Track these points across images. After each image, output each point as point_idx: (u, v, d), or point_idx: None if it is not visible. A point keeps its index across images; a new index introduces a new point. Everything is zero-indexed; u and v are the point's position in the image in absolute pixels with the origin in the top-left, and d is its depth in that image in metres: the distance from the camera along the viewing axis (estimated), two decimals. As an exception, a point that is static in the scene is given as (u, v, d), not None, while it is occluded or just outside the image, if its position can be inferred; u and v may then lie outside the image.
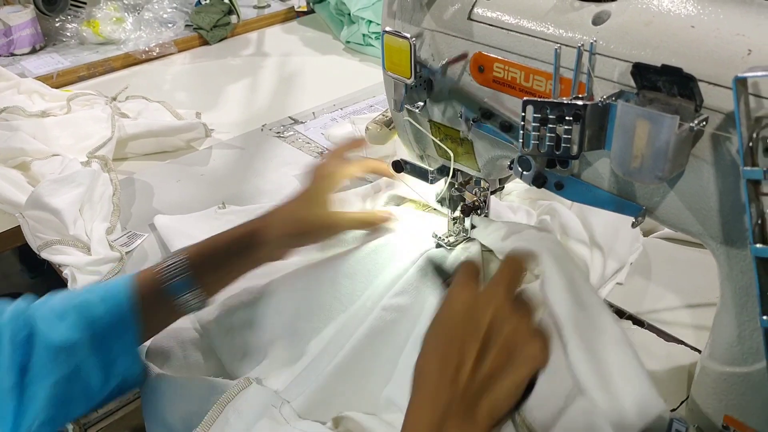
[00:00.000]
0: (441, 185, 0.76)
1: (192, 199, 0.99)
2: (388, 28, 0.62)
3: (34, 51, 1.50)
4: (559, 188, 0.58)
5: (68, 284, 0.83)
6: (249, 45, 1.61)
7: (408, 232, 0.80)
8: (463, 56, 0.60)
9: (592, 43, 0.50)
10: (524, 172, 0.58)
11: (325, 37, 1.62)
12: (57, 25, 1.55)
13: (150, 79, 1.43)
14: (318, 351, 0.69)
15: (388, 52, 0.62)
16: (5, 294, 1.68)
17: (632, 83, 0.47)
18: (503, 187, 0.75)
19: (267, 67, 1.47)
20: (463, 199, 0.75)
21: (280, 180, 1.03)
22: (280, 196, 0.97)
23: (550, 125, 0.51)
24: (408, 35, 0.59)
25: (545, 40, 0.54)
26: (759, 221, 0.44)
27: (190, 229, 0.87)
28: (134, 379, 0.64)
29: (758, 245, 0.44)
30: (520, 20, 0.56)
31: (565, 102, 0.50)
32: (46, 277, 1.71)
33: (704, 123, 0.45)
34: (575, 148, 0.51)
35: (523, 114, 0.52)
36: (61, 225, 0.87)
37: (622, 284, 0.78)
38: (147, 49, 1.49)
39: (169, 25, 1.57)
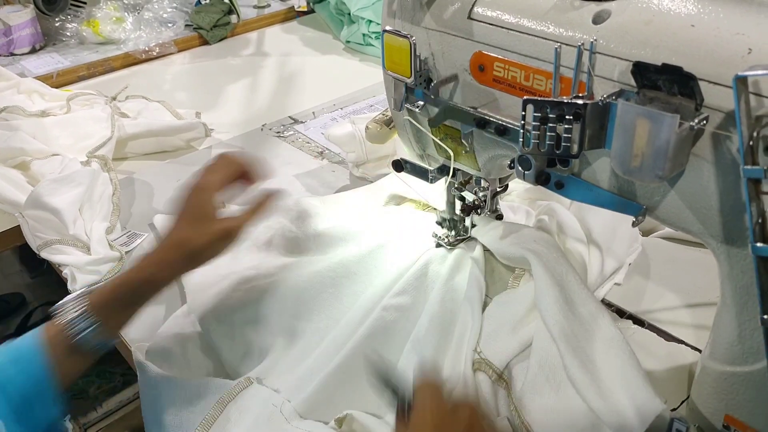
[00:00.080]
0: (442, 199, 0.76)
1: (192, 198, 0.99)
2: (388, 28, 0.61)
3: (34, 51, 1.50)
4: (559, 187, 0.58)
5: (68, 284, 0.83)
6: (249, 45, 1.61)
7: (408, 232, 0.80)
8: (449, 80, 0.61)
9: (592, 42, 0.50)
10: (525, 172, 0.58)
11: (325, 37, 1.62)
12: (57, 24, 1.55)
13: (150, 78, 1.43)
14: (319, 351, 0.69)
15: (388, 51, 0.62)
16: (5, 294, 1.67)
17: (632, 82, 0.47)
18: (506, 186, 0.75)
19: (267, 67, 1.47)
20: (463, 199, 0.75)
21: (280, 180, 1.03)
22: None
23: (551, 124, 0.51)
24: (408, 34, 0.59)
25: (545, 39, 0.54)
26: (759, 220, 0.44)
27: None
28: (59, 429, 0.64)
29: (759, 244, 0.44)
30: (521, 19, 0.56)
31: (566, 101, 0.50)
32: (46, 277, 1.71)
33: (704, 122, 0.45)
34: (575, 147, 0.51)
35: (524, 113, 0.52)
36: (60, 225, 0.87)
37: (620, 284, 0.78)
38: (147, 48, 1.49)
39: (169, 24, 1.57)
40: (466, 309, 0.68)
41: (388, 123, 0.87)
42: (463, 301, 0.69)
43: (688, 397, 0.62)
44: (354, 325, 0.68)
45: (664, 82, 0.45)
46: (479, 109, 0.60)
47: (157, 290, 0.64)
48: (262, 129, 1.20)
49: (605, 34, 0.50)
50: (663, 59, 0.45)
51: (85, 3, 1.57)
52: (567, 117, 0.50)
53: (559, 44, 0.52)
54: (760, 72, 0.41)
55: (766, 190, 0.43)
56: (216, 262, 0.78)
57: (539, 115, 0.51)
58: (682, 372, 0.66)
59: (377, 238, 0.79)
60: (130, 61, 1.48)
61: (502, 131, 0.58)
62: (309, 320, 0.72)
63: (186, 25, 1.60)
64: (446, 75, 0.62)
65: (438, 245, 0.76)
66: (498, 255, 0.73)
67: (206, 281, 0.76)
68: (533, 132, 0.52)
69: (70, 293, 0.82)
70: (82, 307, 0.60)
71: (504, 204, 0.88)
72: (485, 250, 0.75)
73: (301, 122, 1.21)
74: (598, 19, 0.51)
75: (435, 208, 0.84)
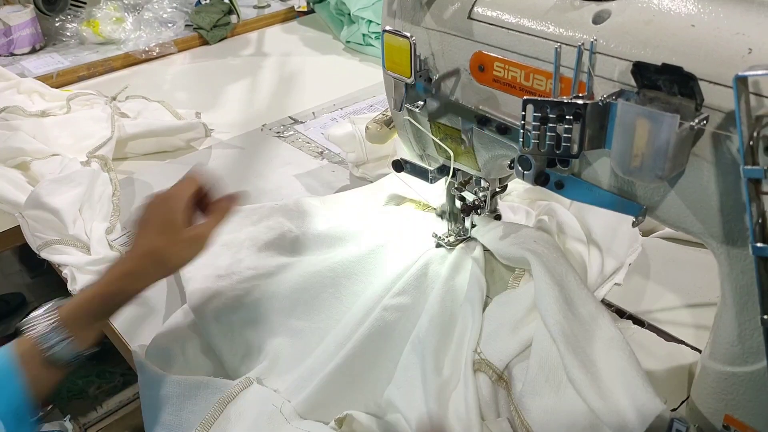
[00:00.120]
0: (441, 195, 0.76)
1: (192, 198, 0.99)
2: (388, 28, 0.61)
3: (34, 51, 1.50)
4: (559, 187, 0.58)
5: (68, 284, 0.83)
6: (249, 45, 1.61)
7: (408, 232, 0.80)
8: (451, 74, 0.61)
9: (592, 42, 0.50)
10: (525, 172, 0.58)
11: (325, 37, 1.62)
12: (57, 24, 1.55)
13: (150, 79, 1.43)
14: (319, 351, 0.69)
15: (388, 51, 0.62)
16: (5, 294, 1.67)
17: (632, 82, 0.47)
18: (506, 186, 0.75)
19: (267, 67, 1.47)
20: (463, 199, 0.75)
21: (280, 180, 1.03)
22: (280, 195, 0.98)
23: (551, 124, 0.51)
24: (408, 34, 0.59)
25: (545, 39, 0.54)
26: (759, 220, 0.44)
27: (189, 228, 0.87)
28: None
29: (759, 244, 0.44)
30: (521, 19, 0.56)
31: (566, 101, 0.50)
32: (46, 277, 1.71)
33: (705, 122, 0.45)
34: (575, 148, 0.51)
35: (524, 113, 0.52)
36: (60, 225, 0.87)
37: (620, 285, 0.78)
38: (147, 49, 1.49)
39: (169, 25, 1.57)
40: (466, 309, 0.68)
41: (388, 123, 0.87)
42: (463, 301, 0.69)
43: (688, 397, 0.62)
44: (354, 325, 0.68)
45: (664, 82, 0.45)
46: (480, 107, 0.60)
47: (129, 300, 0.63)
48: (262, 129, 1.20)
49: (605, 34, 0.50)
50: (663, 59, 0.45)
51: (85, 3, 1.58)
52: (567, 117, 0.50)
53: (559, 44, 0.52)
54: (760, 72, 0.41)
55: (766, 190, 0.43)
56: (216, 262, 0.78)
57: (539, 115, 0.51)
58: (682, 372, 0.66)
59: (377, 238, 0.79)
60: (130, 61, 1.48)
61: (504, 130, 0.58)
62: (309, 320, 0.72)
63: (186, 25, 1.60)
64: (438, 97, 0.62)
65: (438, 245, 0.76)
66: (498, 255, 0.73)
67: (206, 281, 0.76)
68: (533, 132, 0.52)
69: (70, 293, 0.82)
70: (53, 322, 0.59)
71: (504, 204, 0.88)
72: (485, 250, 0.75)
73: (301, 122, 1.21)
74: (598, 19, 0.51)
75: (435, 208, 0.84)
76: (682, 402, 0.63)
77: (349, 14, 1.50)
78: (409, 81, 0.62)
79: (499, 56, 0.57)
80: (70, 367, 0.60)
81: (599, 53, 0.50)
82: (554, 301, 0.61)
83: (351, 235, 0.81)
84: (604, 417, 0.54)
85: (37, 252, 0.87)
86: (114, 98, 1.20)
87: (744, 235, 0.48)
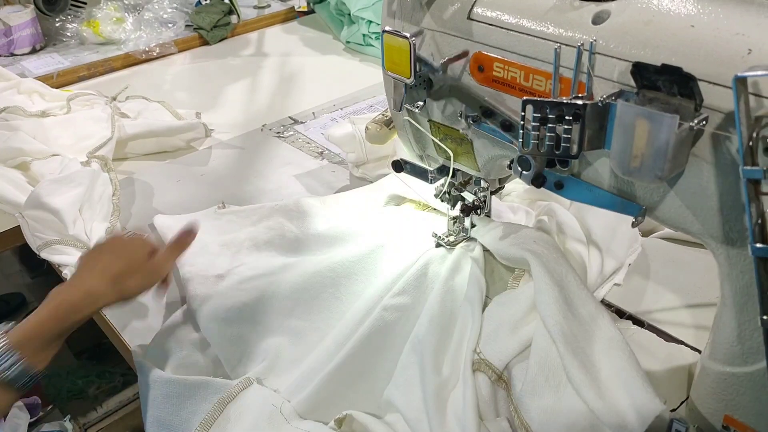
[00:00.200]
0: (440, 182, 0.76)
1: (192, 199, 0.99)
2: (387, 28, 0.61)
3: (34, 51, 1.50)
4: (559, 188, 0.58)
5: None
6: (249, 45, 1.61)
7: (408, 232, 0.80)
8: (463, 55, 0.60)
9: (591, 42, 0.50)
10: (524, 172, 0.58)
11: (325, 37, 1.62)
12: (57, 25, 1.55)
13: (150, 79, 1.43)
14: (319, 351, 0.69)
15: (387, 51, 0.62)
16: (5, 294, 1.67)
17: (632, 83, 0.47)
18: (503, 187, 0.75)
19: (267, 67, 1.47)
20: (463, 199, 0.75)
21: (280, 180, 1.03)
22: (280, 196, 0.98)
23: (550, 125, 0.51)
24: (408, 35, 0.59)
25: (545, 39, 0.54)
26: (759, 221, 0.44)
27: (189, 229, 0.87)
28: None
29: (758, 245, 0.44)
30: (520, 20, 0.56)
31: (565, 101, 0.50)
32: (46, 277, 1.71)
33: (704, 122, 0.45)
34: (575, 148, 0.51)
35: (523, 113, 0.52)
36: (60, 225, 0.87)
37: (620, 285, 0.78)
38: (147, 49, 1.49)
39: (169, 25, 1.57)
40: (466, 309, 0.68)
41: (388, 123, 0.87)
42: (463, 301, 0.69)
43: (687, 397, 0.62)
44: (354, 324, 0.68)
45: (664, 83, 0.45)
46: (481, 108, 0.60)
47: (81, 322, 0.63)
48: (262, 129, 1.20)
49: (605, 35, 0.50)
50: (663, 60, 0.45)
51: (85, 3, 1.58)
52: (566, 117, 0.50)
53: (558, 44, 0.52)
54: (759, 72, 0.41)
55: (765, 190, 0.43)
56: (216, 262, 0.78)
57: (539, 115, 0.51)
58: (682, 372, 0.66)
59: (377, 239, 0.79)
60: (131, 61, 1.48)
61: (508, 127, 0.58)
62: (309, 320, 0.73)
63: (186, 26, 1.60)
64: (446, 75, 0.62)
65: (438, 245, 0.76)
66: (497, 255, 0.73)
67: (206, 281, 0.76)
68: (533, 132, 0.52)
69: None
70: (2, 346, 0.58)
71: (504, 204, 0.88)
72: (485, 250, 0.75)
73: (301, 122, 1.21)
74: (597, 20, 0.51)
75: (435, 208, 0.84)
76: (682, 402, 0.63)
77: (349, 14, 1.50)
78: (408, 81, 0.62)
79: (499, 56, 0.57)
80: (25, 388, 0.60)
81: (599, 54, 0.50)
82: (554, 302, 0.61)
83: (351, 236, 0.81)
84: (603, 417, 0.54)
85: (37, 252, 0.87)
86: (114, 98, 1.20)
87: (743, 235, 0.48)
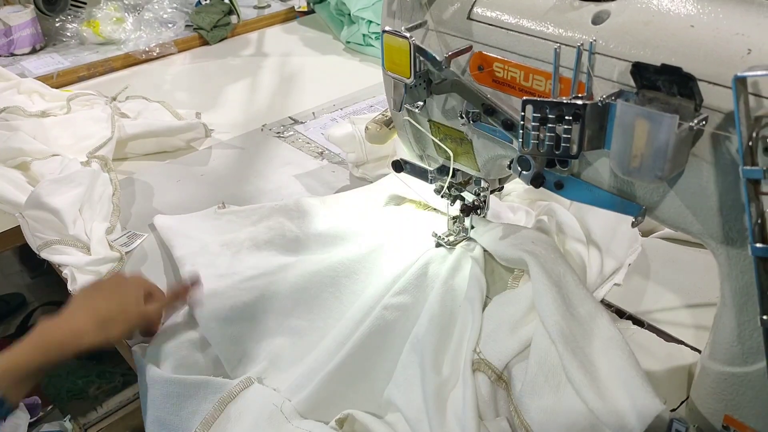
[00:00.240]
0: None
1: (192, 199, 0.99)
2: (387, 28, 0.61)
3: (34, 51, 1.50)
4: (558, 188, 0.58)
5: (68, 284, 0.83)
6: (249, 45, 1.61)
7: (408, 232, 0.80)
8: (463, 51, 0.60)
9: (591, 42, 0.50)
10: (524, 172, 0.58)
11: (325, 37, 1.62)
12: (57, 25, 1.55)
13: (150, 79, 1.43)
14: (319, 350, 0.69)
15: (387, 51, 0.62)
16: (5, 294, 1.67)
17: (632, 83, 0.47)
18: (502, 187, 0.75)
19: (267, 67, 1.47)
20: (463, 199, 0.75)
21: (280, 180, 1.03)
22: (280, 195, 0.98)
23: (550, 125, 0.51)
24: (408, 35, 0.59)
25: (545, 39, 0.54)
26: (759, 220, 0.44)
27: (190, 229, 0.87)
28: None
29: (758, 244, 0.44)
30: (520, 20, 0.56)
31: (565, 101, 0.50)
32: (46, 277, 1.71)
33: (704, 122, 0.45)
34: (575, 148, 0.51)
35: (523, 113, 0.52)
36: (60, 225, 0.87)
37: (620, 285, 0.78)
38: (147, 49, 1.49)
39: (169, 25, 1.57)
40: (466, 309, 0.68)
41: (388, 123, 0.87)
42: (463, 301, 0.69)
43: (687, 397, 0.62)
44: (354, 324, 0.68)
45: (664, 83, 0.45)
46: (483, 105, 0.60)
47: (64, 359, 0.62)
48: (262, 129, 1.20)
49: (605, 35, 0.50)
50: (662, 60, 0.45)
51: (85, 3, 1.58)
52: (566, 117, 0.50)
53: (558, 45, 0.52)
54: (759, 72, 0.41)
55: (765, 190, 0.43)
56: (216, 262, 0.78)
57: (539, 115, 0.51)
58: (682, 372, 0.66)
59: (377, 238, 0.79)
60: (131, 61, 1.48)
61: (509, 125, 0.58)
62: (309, 320, 0.73)
63: (186, 26, 1.60)
64: (446, 74, 0.62)
65: (438, 245, 0.76)
66: (496, 256, 0.73)
67: (206, 281, 0.76)
68: (533, 132, 0.52)
69: (70, 293, 0.82)
70: None
71: (504, 204, 0.88)
72: (485, 250, 0.75)
73: (301, 122, 1.21)
74: (597, 20, 0.51)
75: (435, 208, 0.84)
76: (682, 402, 0.63)
77: (349, 14, 1.50)
78: (408, 81, 0.62)
79: (499, 56, 0.57)
80: (1, 420, 0.59)
81: (598, 54, 0.50)
82: (552, 302, 0.61)
83: (351, 235, 0.81)
84: (603, 417, 0.54)
85: (37, 252, 0.87)
86: (114, 98, 1.20)
87: (743, 235, 0.48)
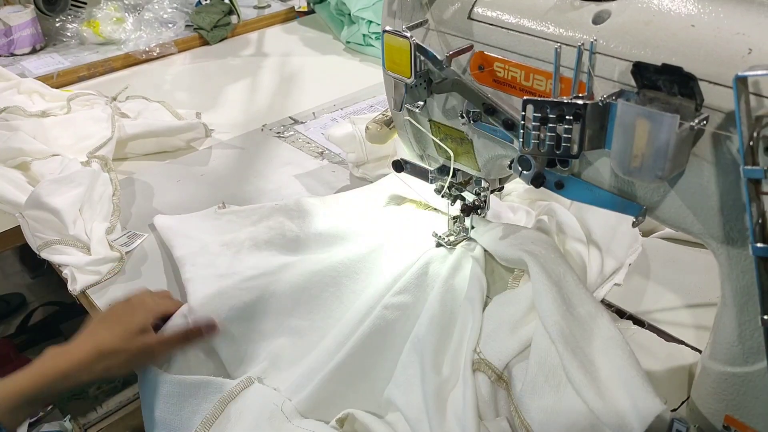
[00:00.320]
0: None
1: (192, 199, 0.99)
2: (388, 28, 0.61)
3: (34, 51, 1.50)
4: (559, 188, 0.58)
5: (68, 284, 0.83)
6: (249, 45, 1.61)
7: (408, 231, 0.80)
8: (464, 51, 0.60)
9: (592, 42, 0.50)
10: (524, 172, 0.58)
11: (325, 37, 1.62)
12: (57, 25, 1.55)
13: (150, 79, 1.43)
14: (319, 350, 0.69)
15: (388, 51, 0.62)
16: (5, 294, 1.67)
17: (632, 82, 0.47)
18: (503, 187, 0.75)
19: (267, 67, 1.47)
20: (463, 199, 0.75)
21: (280, 180, 1.03)
22: (280, 195, 0.98)
23: (551, 125, 0.51)
24: (408, 34, 0.59)
25: (545, 39, 0.54)
26: (759, 220, 0.44)
27: (190, 229, 0.87)
28: None
29: (759, 244, 0.44)
30: (521, 19, 0.56)
31: (566, 101, 0.50)
32: (46, 277, 1.71)
33: (705, 122, 0.45)
34: (575, 148, 0.51)
35: (524, 113, 0.52)
36: (60, 225, 0.87)
37: (620, 285, 0.78)
38: (147, 49, 1.49)
39: (170, 25, 1.57)
40: (466, 308, 0.68)
41: (388, 123, 0.87)
42: (463, 301, 0.69)
43: (688, 397, 0.62)
44: (355, 323, 0.68)
45: (664, 83, 0.45)
46: (484, 105, 0.60)
47: (65, 389, 0.62)
48: (262, 129, 1.20)
49: (605, 35, 0.50)
50: (663, 59, 0.45)
51: (85, 3, 1.58)
52: (567, 117, 0.50)
53: (559, 44, 0.52)
54: (760, 72, 0.41)
55: (766, 190, 0.43)
56: (216, 262, 0.78)
57: (539, 115, 0.51)
58: (682, 372, 0.66)
59: (378, 238, 0.79)
60: (131, 61, 1.48)
61: (510, 125, 0.58)
62: (310, 319, 0.73)
63: (186, 26, 1.60)
64: (446, 74, 0.62)
65: (438, 245, 0.76)
66: (496, 256, 0.73)
67: (206, 281, 0.76)
68: (533, 132, 0.52)
69: (70, 293, 0.82)
70: None
71: (504, 204, 0.88)
72: (485, 250, 0.75)
73: (302, 122, 1.21)
74: (598, 20, 0.51)
75: (435, 208, 0.84)
76: (683, 402, 0.63)
77: (350, 14, 1.50)
78: (408, 81, 0.62)
79: (499, 56, 0.57)
80: None
81: (599, 53, 0.50)
82: (552, 302, 0.61)
83: (351, 235, 0.81)
84: (603, 417, 0.54)
85: (37, 252, 0.87)
86: (114, 98, 1.20)
87: (744, 235, 0.48)
